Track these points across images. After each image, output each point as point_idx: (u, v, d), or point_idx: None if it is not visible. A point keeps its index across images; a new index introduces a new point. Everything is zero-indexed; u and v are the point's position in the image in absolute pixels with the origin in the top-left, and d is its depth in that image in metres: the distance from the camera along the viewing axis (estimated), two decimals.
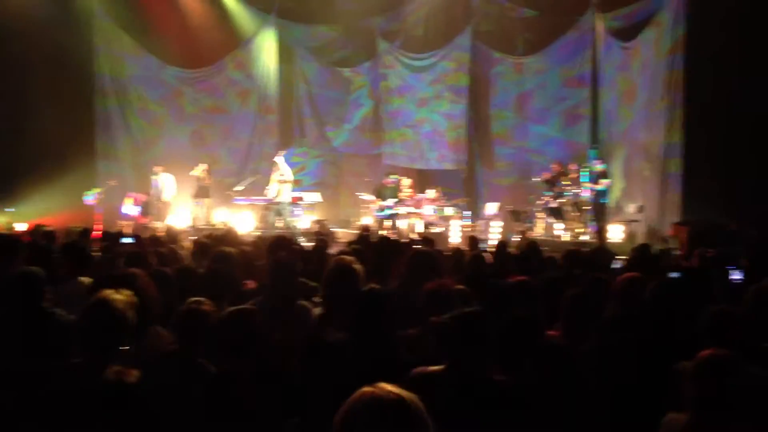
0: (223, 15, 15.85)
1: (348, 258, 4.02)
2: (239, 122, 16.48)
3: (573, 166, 13.35)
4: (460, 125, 15.63)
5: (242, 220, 14.52)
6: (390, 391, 1.66)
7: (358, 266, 3.86)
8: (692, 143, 11.92)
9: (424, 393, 2.61)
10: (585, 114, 14.87)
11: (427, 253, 4.75)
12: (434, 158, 16.08)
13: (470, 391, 2.59)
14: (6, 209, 12.57)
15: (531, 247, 6.70)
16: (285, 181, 14.13)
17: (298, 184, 15.99)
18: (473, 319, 2.73)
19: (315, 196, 15.44)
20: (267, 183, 14.45)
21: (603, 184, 12.66)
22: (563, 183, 13.23)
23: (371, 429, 1.59)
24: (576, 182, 12.99)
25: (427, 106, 16.01)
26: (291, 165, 14.90)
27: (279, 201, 14.05)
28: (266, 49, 15.99)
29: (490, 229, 13.95)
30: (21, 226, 11.23)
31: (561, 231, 13.33)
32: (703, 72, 11.35)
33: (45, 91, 14.43)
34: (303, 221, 14.85)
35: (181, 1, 15.52)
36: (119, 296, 2.94)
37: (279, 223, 13.86)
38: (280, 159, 14.36)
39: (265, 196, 14.36)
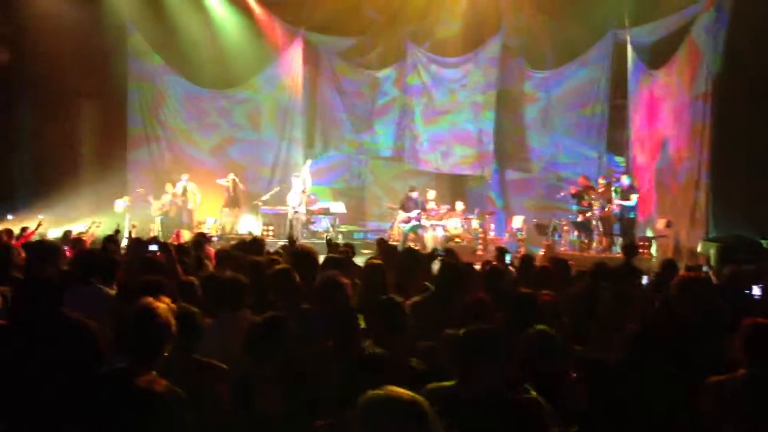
0: (253, 30, 15.99)
1: (334, 272, 4.06)
2: (267, 136, 16.57)
3: (602, 180, 13.22)
4: (486, 133, 15.48)
5: (267, 230, 14.65)
6: (404, 393, 1.80)
7: (344, 279, 3.89)
8: (720, 162, 11.77)
9: (436, 408, 2.62)
10: (610, 128, 14.75)
11: (454, 265, 4.73)
12: (459, 164, 15.94)
13: (481, 408, 2.56)
14: (38, 215, 12.79)
15: (558, 261, 6.63)
16: (305, 191, 14.16)
17: (332, 196, 16.05)
18: (486, 335, 2.69)
19: (339, 206, 15.48)
20: (289, 191, 14.50)
21: (633, 198, 12.55)
22: (590, 197, 13.13)
23: (393, 425, 1.72)
24: (604, 196, 12.86)
25: (453, 112, 15.87)
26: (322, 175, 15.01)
27: (297, 211, 14.06)
28: (295, 61, 16.09)
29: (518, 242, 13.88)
30: (55, 232, 11.41)
31: (587, 245, 13.22)
32: (732, 113, 11.24)
33: (79, 99, 14.71)
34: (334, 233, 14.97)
35: (212, 19, 15.73)
36: (161, 304, 2.98)
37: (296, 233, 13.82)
38: (305, 168, 14.41)
39: (287, 204, 14.40)
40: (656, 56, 13.57)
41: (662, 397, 2.92)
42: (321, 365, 2.82)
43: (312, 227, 15.19)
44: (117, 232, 8.07)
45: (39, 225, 11.32)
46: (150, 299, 3.01)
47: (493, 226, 14.74)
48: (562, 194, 14.04)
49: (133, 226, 12.70)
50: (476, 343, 2.64)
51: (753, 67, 10.95)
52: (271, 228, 14.88)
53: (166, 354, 2.89)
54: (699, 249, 11.11)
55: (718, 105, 11.80)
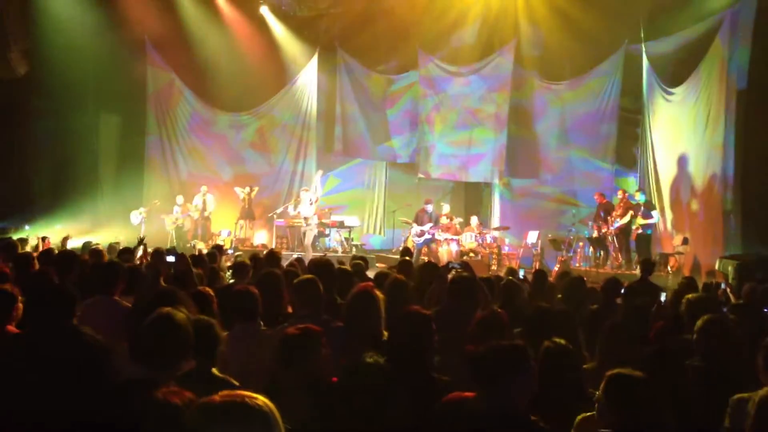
0: (272, 50, 16.12)
1: (368, 284, 4.03)
2: (281, 152, 16.71)
3: (620, 194, 13.11)
4: (499, 144, 15.34)
5: (281, 242, 14.72)
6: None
7: (378, 292, 3.87)
8: (744, 177, 11.65)
9: (456, 418, 2.62)
10: (623, 143, 14.63)
11: (468, 279, 4.72)
12: (473, 172, 15.82)
13: (499, 421, 2.56)
14: (56, 226, 12.91)
15: (573, 277, 6.59)
16: (316, 201, 14.06)
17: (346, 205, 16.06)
18: (511, 351, 2.69)
19: (354, 220, 15.47)
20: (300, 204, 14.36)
21: (655, 215, 12.47)
22: (606, 213, 13.06)
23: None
24: (624, 213, 12.73)
25: (466, 123, 15.75)
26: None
27: (309, 222, 13.99)
28: (311, 78, 16.20)
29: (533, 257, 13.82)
30: (74, 243, 11.47)
31: (602, 261, 13.14)
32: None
33: (98, 112, 14.84)
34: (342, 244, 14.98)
35: (231, 38, 15.89)
36: (180, 313, 2.96)
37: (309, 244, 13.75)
38: (317, 178, 14.35)
39: (297, 215, 14.34)
40: (673, 71, 13.42)
41: (684, 417, 2.89)
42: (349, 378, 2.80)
43: (325, 239, 15.23)
44: (141, 241, 8.09)
45: (66, 238, 11.25)
46: (168, 308, 3.00)
47: (507, 240, 14.68)
48: (575, 212, 14.01)
49: (142, 239, 12.65)
50: (501, 359, 2.64)
51: None
52: (284, 240, 14.98)
53: (185, 366, 2.89)
54: (717, 266, 10.98)
55: (742, 122, 11.63)
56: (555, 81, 15.19)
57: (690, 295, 4.44)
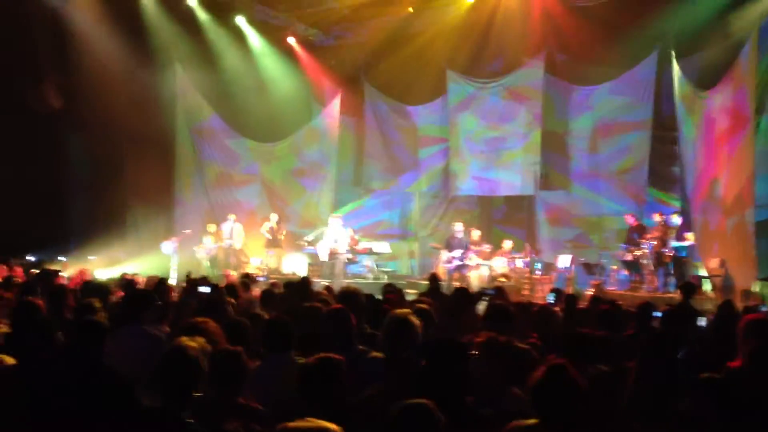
0: (300, 82, 16.39)
1: (405, 311, 3.96)
2: (310, 182, 16.90)
3: (657, 217, 12.82)
4: (530, 158, 15.11)
5: (312, 270, 14.72)
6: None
7: (415, 319, 3.79)
8: None
9: None
10: (659, 161, 14.29)
11: (504, 306, 4.65)
12: (504, 187, 15.72)
13: None
14: (89, 257, 13.06)
15: (608, 302, 6.47)
16: (337, 246, 13.82)
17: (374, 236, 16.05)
18: (568, 380, 2.72)
19: (384, 246, 15.43)
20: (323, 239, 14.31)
21: (690, 238, 12.17)
22: (639, 236, 12.82)
23: None
24: (663, 235, 12.45)
25: (498, 137, 15.64)
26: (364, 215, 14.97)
27: (339, 252, 13.86)
28: (336, 111, 16.31)
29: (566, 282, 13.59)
30: (103, 274, 11.59)
31: (638, 284, 12.87)
32: None
33: (128, 143, 15.06)
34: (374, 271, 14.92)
35: (260, 67, 16.13)
36: (193, 344, 3.04)
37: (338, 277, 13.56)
38: (335, 221, 14.11)
39: (319, 255, 14.32)
40: (707, 74, 12.87)
41: None
42: (375, 409, 2.76)
43: (355, 267, 15.21)
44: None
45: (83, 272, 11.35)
46: (183, 339, 3.05)
47: (539, 265, 14.43)
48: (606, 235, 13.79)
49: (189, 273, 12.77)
50: (561, 386, 2.68)
51: None
52: (316, 268, 14.99)
53: (200, 394, 2.96)
54: (757, 289, 10.70)
55: None
56: (587, 85, 14.90)
57: (750, 317, 4.30)
